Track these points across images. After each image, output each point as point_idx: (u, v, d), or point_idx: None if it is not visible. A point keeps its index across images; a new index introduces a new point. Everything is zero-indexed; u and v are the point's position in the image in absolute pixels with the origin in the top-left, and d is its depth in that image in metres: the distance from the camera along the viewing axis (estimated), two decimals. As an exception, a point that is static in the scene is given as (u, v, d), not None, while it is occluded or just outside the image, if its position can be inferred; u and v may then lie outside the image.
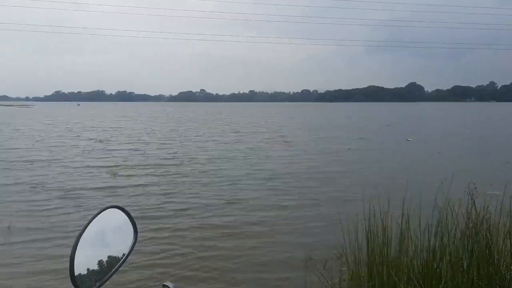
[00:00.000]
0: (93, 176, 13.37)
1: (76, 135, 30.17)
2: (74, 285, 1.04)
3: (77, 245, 1.07)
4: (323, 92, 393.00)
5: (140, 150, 20.33)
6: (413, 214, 4.39)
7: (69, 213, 9.03)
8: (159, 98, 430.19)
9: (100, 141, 25.35)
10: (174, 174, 13.74)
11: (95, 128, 37.22)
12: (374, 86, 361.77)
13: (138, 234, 1.29)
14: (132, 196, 10.53)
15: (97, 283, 1.10)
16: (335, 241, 6.78)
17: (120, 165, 15.58)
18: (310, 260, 6.25)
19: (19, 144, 23.41)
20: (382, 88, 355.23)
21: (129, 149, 20.71)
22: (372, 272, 4.17)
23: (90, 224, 1.13)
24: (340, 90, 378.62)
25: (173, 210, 9.20)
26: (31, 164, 15.88)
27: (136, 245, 1.24)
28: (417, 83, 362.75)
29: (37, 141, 25.24)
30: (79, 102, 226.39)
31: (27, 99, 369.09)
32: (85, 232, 1.10)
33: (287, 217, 8.66)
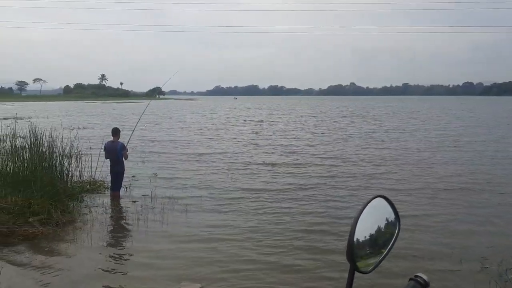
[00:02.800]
0: (254, 174, 13.26)
1: (233, 126, 32.62)
2: (351, 262, 1.22)
3: (354, 229, 1.24)
4: (489, 85, 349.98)
5: (294, 146, 20.25)
6: None
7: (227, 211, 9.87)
8: (308, 92, 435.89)
9: (256, 133, 27.01)
10: (337, 176, 12.80)
11: (250, 121, 39.59)
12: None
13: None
14: (295, 198, 10.10)
15: (372, 264, 1.29)
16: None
17: (282, 162, 15.42)
18: (484, 269, 5.76)
19: (184, 135, 26.29)
20: None
21: (284, 145, 20.62)
22: None
23: (364, 210, 1.30)
24: (510, 82, 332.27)
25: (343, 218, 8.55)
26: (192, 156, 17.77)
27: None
28: None
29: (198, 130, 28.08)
30: (236, 96, 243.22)
31: (191, 93, 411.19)
32: (360, 218, 1.27)
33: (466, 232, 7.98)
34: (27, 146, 9.60)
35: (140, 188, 11.05)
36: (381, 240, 1.30)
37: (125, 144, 10.01)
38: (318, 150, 18.79)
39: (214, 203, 9.65)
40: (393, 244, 1.31)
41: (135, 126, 11.96)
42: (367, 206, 1.31)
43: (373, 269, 1.27)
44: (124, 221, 8.57)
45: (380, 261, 1.28)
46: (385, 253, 1.29)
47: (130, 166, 12.55)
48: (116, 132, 9.98)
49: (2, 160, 9.60)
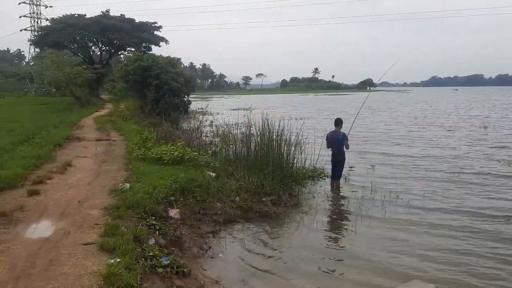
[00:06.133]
0: (489, 184, 10.68)
1: (454, 122, 29.65)
2: None
3: None
4: None
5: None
6: None
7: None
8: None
9: (485, 127, 24.06)
10: None
11: (475, 116, 35.32)
12: None
13: None
14: None
15: None
16: None
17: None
18: None
19: (400, 130, 25.24)
20: None
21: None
22: None
23: None
24: None
25: None
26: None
27: None
28: None
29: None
30: (456, 87, 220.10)
31: (404, 84, 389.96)
32: None
33: None
34: (258, 133, 10.68)
35: (359, 179, 11.09)
36: None
37: (347, 135, 10.13)
38: None
39: (440, 205, 8.87)
40: None
41: (355, 117, 12.03)
42: None
43: None
44: (345, 210, 8.72)
45: None
46: None
47: (347, 157, 12.66)
48: (338, 122, 10.19)
49: (239, 145, 11.00)
